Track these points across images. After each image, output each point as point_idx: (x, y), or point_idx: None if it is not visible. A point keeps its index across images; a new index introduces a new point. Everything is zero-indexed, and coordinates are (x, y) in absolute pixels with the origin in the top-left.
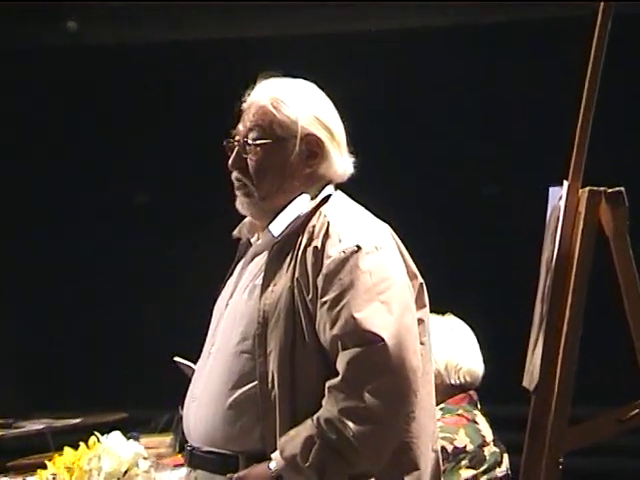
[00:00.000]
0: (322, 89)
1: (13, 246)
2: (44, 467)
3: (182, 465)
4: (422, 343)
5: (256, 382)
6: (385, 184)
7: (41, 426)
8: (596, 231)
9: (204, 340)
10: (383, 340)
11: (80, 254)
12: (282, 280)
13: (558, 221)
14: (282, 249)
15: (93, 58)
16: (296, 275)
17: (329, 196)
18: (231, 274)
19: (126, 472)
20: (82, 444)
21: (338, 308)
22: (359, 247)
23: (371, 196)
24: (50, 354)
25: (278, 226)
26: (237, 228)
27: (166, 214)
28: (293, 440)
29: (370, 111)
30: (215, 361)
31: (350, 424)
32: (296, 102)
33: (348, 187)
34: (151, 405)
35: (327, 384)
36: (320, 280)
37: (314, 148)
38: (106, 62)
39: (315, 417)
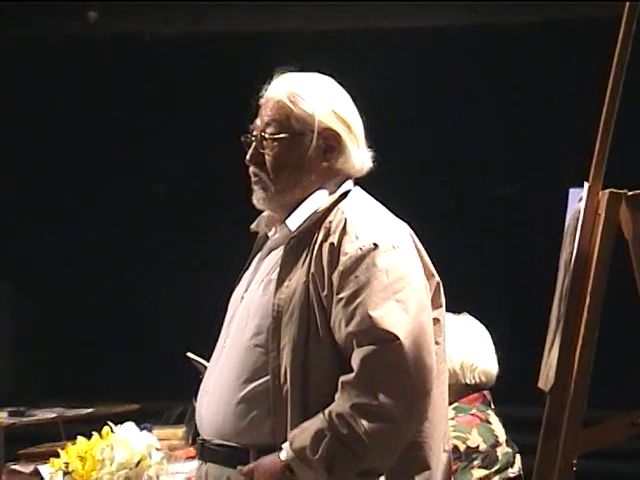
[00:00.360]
0: (340, 83)
1: (29, 235)
2: (56, 456)
3: (194, 457)
4: (437, 343)
5: (268, 376)
6: (401, 183)
7: (53, 415)
8: (616, 234)
9: (219, 333)
10: (398, 339)
11: (95, 246)
12: (297, 275)
13: (577, 223)
14: (298, 244)
15: (104, 50)
16: (311, 270)
17: (347, 192)
18: (247, 267)
19: (138, 463)
20: (95, 434)
21: (354, 305)
22: (376, 245)
23: (388, 193)
24: (64, 344)
25: (295, 221)
26: (255, 222)
27: (179, 208)
28: (304, 432)
29: (385, 109)
30: (228, 354)
31: (362, 421)
32: (313, 96)
33: (366, 183)
34: (164, 397)
35: (341, 379)
36: (336, 276)
37: (331, 142)
38: (119, 54)
39: (327, 411)
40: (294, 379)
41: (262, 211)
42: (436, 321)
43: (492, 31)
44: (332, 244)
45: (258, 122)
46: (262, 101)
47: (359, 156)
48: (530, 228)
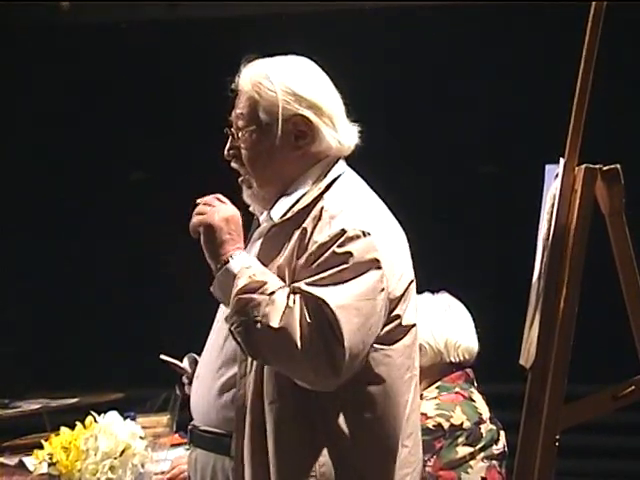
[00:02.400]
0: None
1: (15, 232)
2: (40, 447)
3: (179, 445)
4: (396, 341)
5: None
6: (380, 163)
7: (37, 406)
8: (592, 209)
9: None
10: (328, 305)
11: (80, 235)
12: (273, 264)
13: (554, 199)
14: (278, 234)
15: (85, 37)
16: (283, 261)
17: (335, 180)
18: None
19: (123, 452)
20: (79, 424)
21: (305, 288)
22: (344, 230)
23: (365, 176)
24: (46, 335)
25: (278, 211)
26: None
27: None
28: (254, 275)
29: (364, 91)
30: (215, 339)
31: (294, 314)
32: (276, 83)
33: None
34: (147, 385)
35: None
36: (301, 263)
37: (302, 127)
38: (99, 41)
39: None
40: (258, 369)
41: None
42: (397, 317)
43: (465, 11)
44: (304, 230)
45: (233, 114)
46: (238, 91)
47: (335, 136)
48: (509, 205)
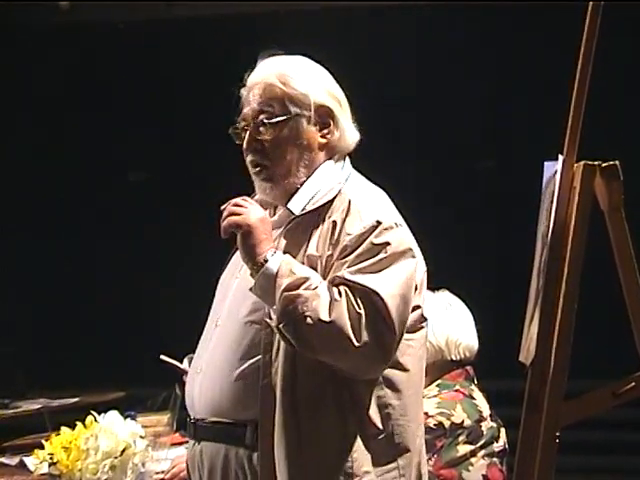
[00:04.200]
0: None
1: (15, 232)
2: (41, 447)
3: (180, 444)
4: (417, 329)
5: None
6: (380, 157)
7: (38, 406)
8: (591, 205)
9: (207, 314)
10: (383, 300)
11: (80, 235)
12: (296, 255)
13: (553, 195)
14: (299, 225)
15: (84, 37)
16: (310, 251)
17: (349, 175)
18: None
19: (123, 451)
20: (79, 424)
21: (350, 277)
22: (379, 222)
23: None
24: (46, 333)
25: (298, 203)
26: None
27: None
28: (295, 272)
29: (362, 86)
30: (222, 332)
31: (341, 305)
32: (303, 75)
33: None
34: (148, 383)
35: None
36: (336, 255)
37: (327, 119)
38: (98, 41)
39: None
40: (286, 356)
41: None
42: (417, 307)
43: (462, 8)
44: (334, 222)
45: (247, 110)
46: (248, 88)
47: (351, 130)
48: (509, 202)
